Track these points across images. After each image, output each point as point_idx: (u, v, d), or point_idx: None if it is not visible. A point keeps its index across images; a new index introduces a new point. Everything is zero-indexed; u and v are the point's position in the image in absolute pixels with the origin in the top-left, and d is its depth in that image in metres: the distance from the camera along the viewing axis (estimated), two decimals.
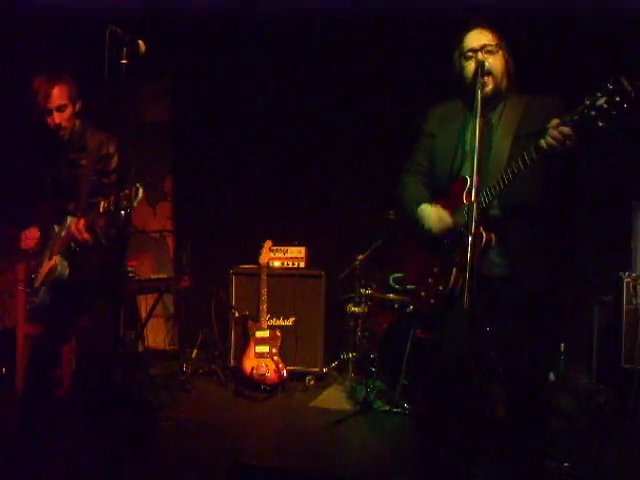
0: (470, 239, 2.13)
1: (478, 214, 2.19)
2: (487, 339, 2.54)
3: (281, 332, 4.63)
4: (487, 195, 2.34)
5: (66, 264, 3.03)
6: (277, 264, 5.06)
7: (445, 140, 2.59)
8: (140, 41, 2.50)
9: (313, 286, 4.95)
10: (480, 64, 2.39)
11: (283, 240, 5.06)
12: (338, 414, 3.97)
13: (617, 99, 1.99)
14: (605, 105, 2.01)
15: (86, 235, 2.90)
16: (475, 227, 2.15)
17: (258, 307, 4.67)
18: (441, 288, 2.47)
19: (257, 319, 4.64)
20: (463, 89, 2.53)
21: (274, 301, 4.80)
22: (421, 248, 2.63)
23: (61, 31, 4.84)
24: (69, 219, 3.01)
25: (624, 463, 3.24)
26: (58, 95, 2.96)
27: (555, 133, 2.13)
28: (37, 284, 3.09)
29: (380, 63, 5.19)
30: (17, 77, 4.66)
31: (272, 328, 4.64)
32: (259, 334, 4.57)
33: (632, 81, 1.97)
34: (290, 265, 5.09)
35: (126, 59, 2.48)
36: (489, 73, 2.41)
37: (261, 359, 4.48)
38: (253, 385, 4.42)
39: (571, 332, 4.36)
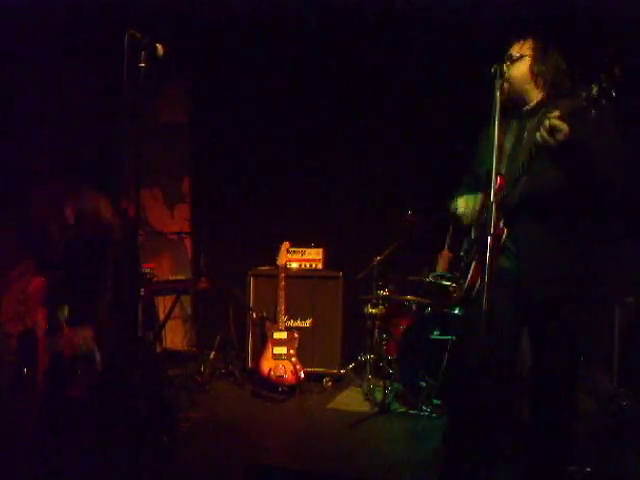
0: (489, 241, 2.12)
1: (497, 215, 2.19)
2: (510, 339, 2.54)
3: (299, 333, 4.63)
4: (505, 193, 2.39)
5: None
6: (295, 265, 5.06)
7: (487, 147, 2.60)
8: (158, 44, 2.52)
9: (331, 287, 4.95)
10: (497, 68, 2.41)
11: (301, 241, 5.06)
12: (356, 416, 3.97)
13: (605, 86, 2.02)
14: (596, 94, 2.03)
15: None
16: (494, 227, 2.15)
17: (276, 308, 4.67)
18: (462, 281, 2.58)
19: (275, 320, 4.65)
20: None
21: (292, 302, 4.80)
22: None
23: (80, 34, 4.87)
24: None
25: None
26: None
27: (545, 123, 2.20)
28: None
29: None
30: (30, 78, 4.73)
31: (290, 329, 4.64)
32: (277, 335, 4.58)
33: (621, 68, 1.98)
34: (308, 266, 5.09)
35: (144, 62, 2.49)
36: (507, 80, 2.47)
37: (279, 360, 4.48)
38: (271, 386, 4.43)
39: (592, 334, 4.30)
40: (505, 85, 2.46)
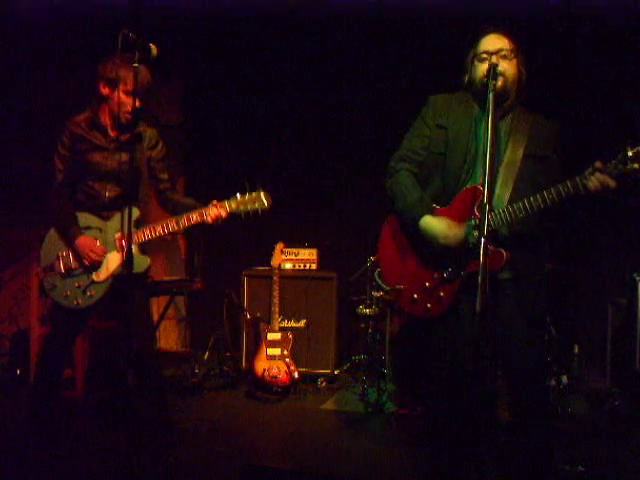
0: (482, 246, 2.11)
1: (490, 228, 2.18)
2: (494, 341, 2.55)
3: (293, 334, 4.64)
4: (511, 214, 2.35)
5: (146, 259, 3.10)
6: (289, 266, 5.06)
7: (456, 133, 2.55)
8: (152, 45, 2.51)
9: (325, 288, 4.95)
10: (492, 65, 2.40)
11: (295, 242, 5.07)
12: (350, 416, 3.98)
13: None
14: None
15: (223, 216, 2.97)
16: (486, 240, 2.14)
17: (270, 309, 4.67)
18: (442, 294, 2.48)
19: (269, 321, 4.65)
20: (473, 91, 2.54)
21: (286, 303, 4.80)
22: (406, 243, 2.61)
23: (74, 35, 4.87)
24: (134, 210, 2.98)
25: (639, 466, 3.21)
26: (146, 80, 2.94)
27: (597, 183, 2.20)
28: (102, 278, 3.04)
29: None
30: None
31: (284, 330, 4.64)
32: (271, 336, 4.58)
33: None
34: (302, 267, 5.09)
35: (138, 63, 2.49)
36: (501, 75, 2.40)
37: (273, 361, 4.48)
38: (265, 387, 4.42)
39: (585, 334, 4.34)
40: (499, 81, 2.39)
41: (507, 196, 2.44)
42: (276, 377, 4.41)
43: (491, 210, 2.22)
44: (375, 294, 4.50)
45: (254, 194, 2.92)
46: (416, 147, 2.64)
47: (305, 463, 3.26)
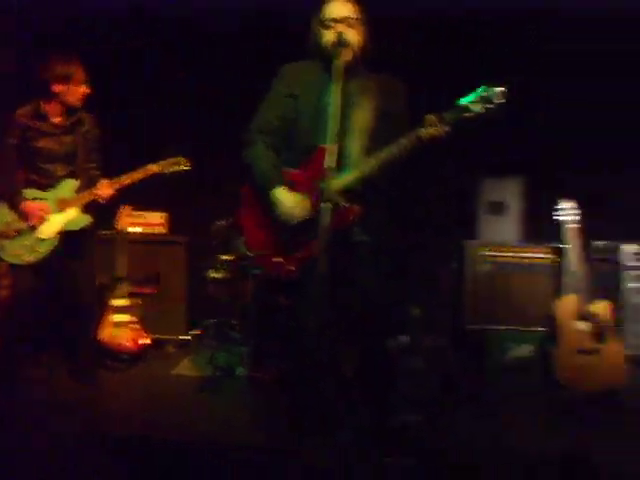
0: (329, 206, 2.20)
1: (343, 185, 2.27)
2: (347, 302, 2.67)
3: (141, 300, 4.52)
4: (360, 171, 2.45)
5: (87, 217, 3.76)
6: (136, 230, 4.90)
7: (305, 102, 2.62)
8: None
9: (175, 252, 4.87)
10: (339, 35, 2.45)
11: (142, 205, 4.89)
12: (200, 381, 3.99)
13: (489, 107, 2.18)
14: (480, 111, 2.19)
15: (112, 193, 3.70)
16: (340, 198, 2.23)
17: (117, 275, 4.51)
18: (301, 256, 2.55)
19: (116, 287, 4.49)
20: (319, 55, 2.58)
21: (134, 268, 4.65)
22: (264, 211, 2.65)
23: None
24: (70, 182, 3.70)
25: (471, 417, 3.54)
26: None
27: (433, 131, 2.33)
28: (46, 235, 3.59)
29: None
30: None
31: (132, 296, 4.50)
32: (118, 302, 4.42)
33: (504, 92, 2.15)
34: (150, 231, 4.95)
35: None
36: (347, 44, 2.47)
37: (120, 328, 4.35)
38: (112, 355, 4.29)
39: (422, 296, 4.66)
40: (347, 50, 2.46)
41: (358, 155, 2.52)
42: (124, 345, 4.30)
43: (340, 171, 2.30)
44: (225, 258, 4.50)
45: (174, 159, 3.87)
46: (270, 117, 2.68)
47: (156, 430, 3.22)
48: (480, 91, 2.25)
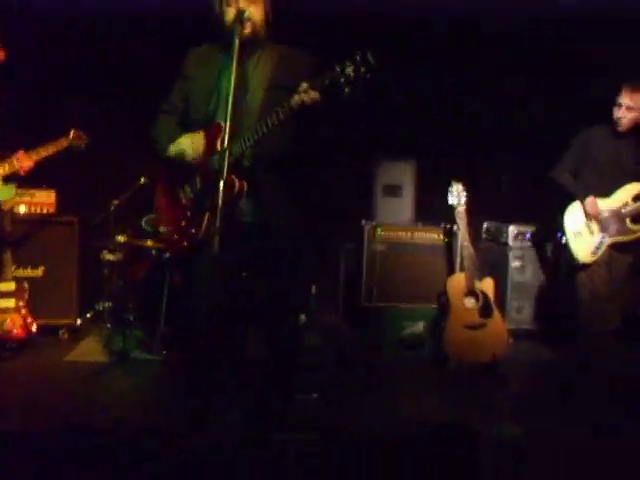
0: (221, 185, 2.20)
1: (230, 162, 2.26)
2: (241, 283, 2.68)
3: (29, 284, 4.30)
4: (241, 145, 2.44)
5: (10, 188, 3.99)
6: (23, 209, 4.64)
7: (201, 83, 2.64)
8: None
9: (64, 233, 4.66)
10: (240, 11, 2.45)
11: (29, 183, 4.62)
12: (95, 367, 3.87)
13: (362, 69, 2.19)
14: (352, 74, 2.21)
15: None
16: (227, 174, 2.23)
17: (1, 257, 4.26)
18: (194, 231, 2.54)
19: (0, 270, 4.24)
20: (222, 34, 2.56)
21: (20, 250, 4.41)
22: (175, 190, 2.67)
23: None
24: None
25: (365, 390, 3.68)
26: None
27: (304, 96, 2.30)
28: None
29: None
30: None
31: (18, 280, 4.27)
32: (3, 287, 4.18)
33: (376, 55, 2.18)
34: (38, 210, 4.70)
35: None
36: (248, 20, 2.48)
37: (6, 314, 4.11)
38: None
39: (320, 276, 4.74)
40: (248, 27, 2.47)
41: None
42: (10, 332, 4.07)
43: (231, 154, 2.29)
44: (119, 239, 4.36)
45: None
46: (174, 99, 2.73)
47: (49, 419, 3.10)
48: (352, 56, 2.26)
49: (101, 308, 4.58)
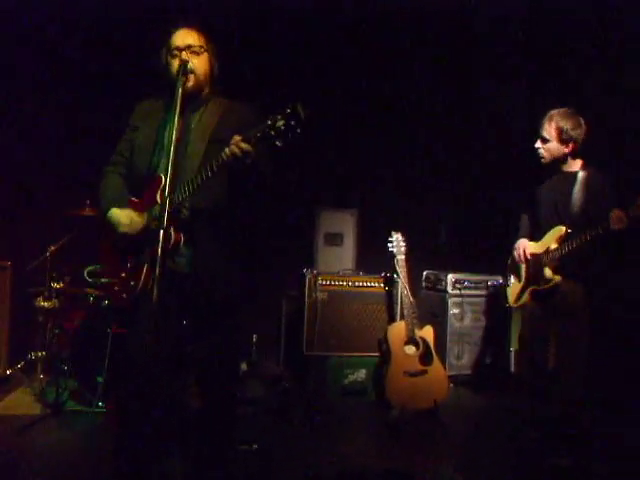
0: (161, 234, 2.20)
1: (169, 213, 2.26)
2: (182, 332, 2.66)
3: None
4: (179, 195, 2.44)
5: None
6: None
7: (145, 134, 2.66)
8: None
9: None
10: (183, 63, 2.49)
11: None
12: (25, 420, 3.67)
13: (292, 122, 2.23)
14: (282, 127, 2.24)
15: None
16: (166, 225, 2.23)
17: None
18: (133, 283, 2.51)
19: None
20: (168, 86, 2.59)
21: None
22: (116, 243, 2.64)
23: None
24: None
25: (307, 438, 3.65)
26: None
27: (234, 148, 2.31)
28: None
29: None
30: None
31: None
32: None
33: (305, 109, 2.23)
34: None
35: None
36: (191, 72, 2.52)
37: None
38: None
39: (262, 324, 4.73)
40: (190, 79, 2.51)
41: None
42: None
43: (170, 205, 2.29)
44: (55, 286, 4.25)
45: None
46: (122, 150, 2.75)
47: None
48: (283, 109, 2.30)
49: (34, 357, 4.40)
